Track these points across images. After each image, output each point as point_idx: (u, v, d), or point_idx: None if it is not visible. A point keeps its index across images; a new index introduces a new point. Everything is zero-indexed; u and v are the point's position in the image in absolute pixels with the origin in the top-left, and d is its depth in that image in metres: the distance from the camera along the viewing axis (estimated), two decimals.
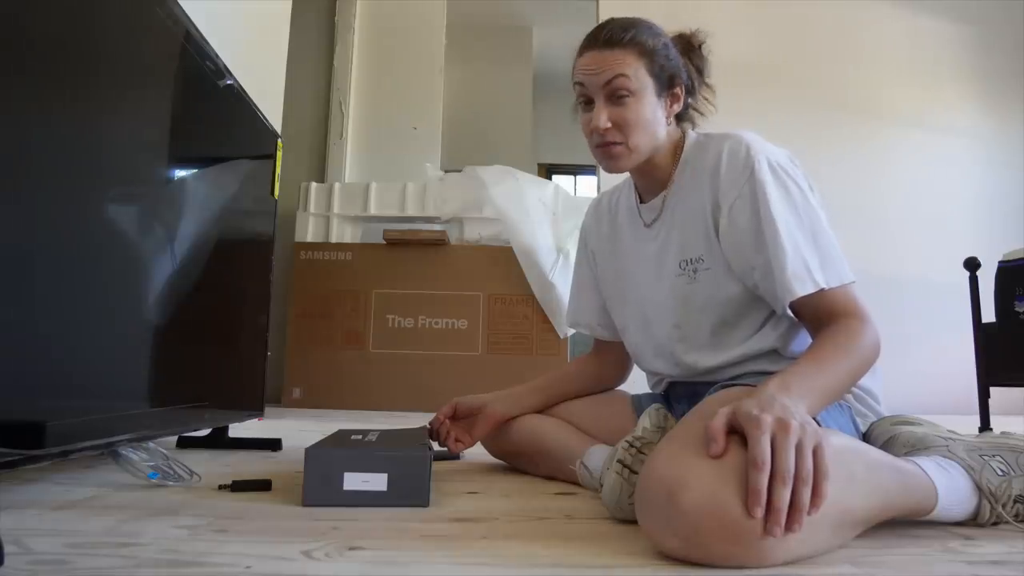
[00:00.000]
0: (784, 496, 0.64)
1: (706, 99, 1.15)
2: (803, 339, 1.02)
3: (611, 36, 1.03)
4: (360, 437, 1.07)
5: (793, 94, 3.66)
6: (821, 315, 0.93)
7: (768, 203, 0.96)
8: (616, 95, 1.02)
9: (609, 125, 1.03)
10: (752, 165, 0.98)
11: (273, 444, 1.53)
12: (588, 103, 1.05)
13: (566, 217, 3.28)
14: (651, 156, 1.08)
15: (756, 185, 0.97)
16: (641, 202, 1.15)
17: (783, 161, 1.01)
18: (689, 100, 1.11)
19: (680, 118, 1.12)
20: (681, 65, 1.08)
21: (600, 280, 1.28)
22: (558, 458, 1.17)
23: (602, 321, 1.30)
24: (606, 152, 1.05)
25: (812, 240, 0.95)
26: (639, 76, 1.02)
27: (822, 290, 0.93)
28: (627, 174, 1.16)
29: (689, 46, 1.12)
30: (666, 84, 1.06)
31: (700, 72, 1.12)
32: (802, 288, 0.93)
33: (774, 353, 1.03)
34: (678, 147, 1.10)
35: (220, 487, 1.03)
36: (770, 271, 0.95)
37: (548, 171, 6.67)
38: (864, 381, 1.05)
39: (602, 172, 3.52)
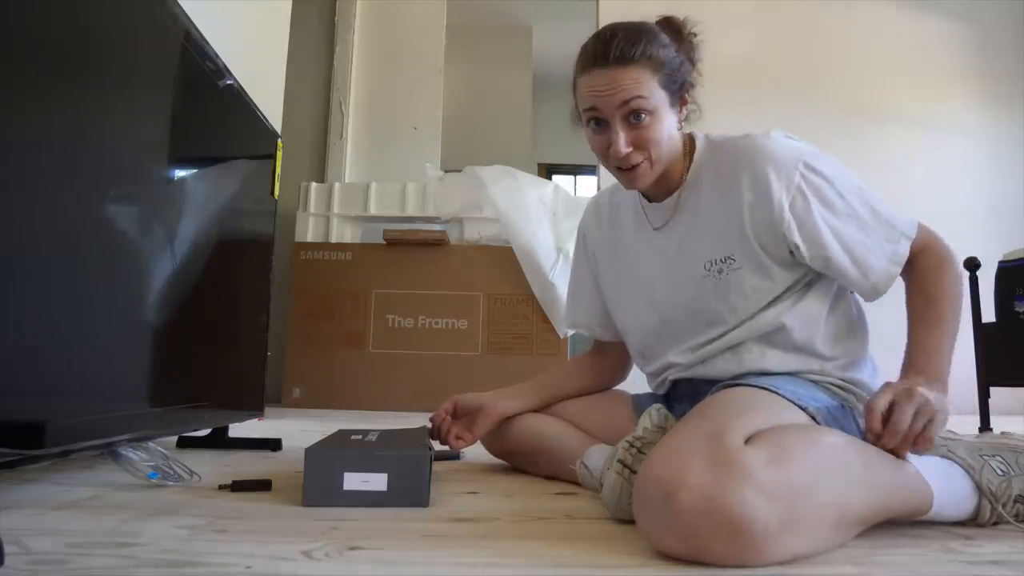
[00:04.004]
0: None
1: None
2: (814, 320, 1.04)
3: (621, 53, 0.98)
4: (360, 437, 1.07)
5: (792, 94, 3.65)
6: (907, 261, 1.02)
7: (832, 196, 0.99)
8: (634, 116, 0.99)
9: (631, 149, 1.00)
10: (802, 159, 0.99)
11: (273, 444, 1.53)
12: (600, 123, 1.02)
13: (566, 217, 3.28)
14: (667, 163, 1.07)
15: (812, 179, 0.99)
16: (648, 202, 1.14)
17: (813, 148, 1.02)
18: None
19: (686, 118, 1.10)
20: (689, 69, 1.06)
21: (601, 281, 1.27)
22: (558, 458, 1.17)
23: (602, 322, 1.29)
24: (631, 175, 1.03)
25: (875, 214, 1.00)
26: (654, 93, 0.99)
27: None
28: None
29: (679, 35, 1.08)
30: (677, 93, 1.03)
31: (692, 62, 1.09)
32: (895, 269, 1.01)
33: (782, 331, 1.03)
34: (687, 149, 1.09)
35: (220, 487, 1.03)
36: (862, 260, 1.00)
37: (548, 171, 6.66)
38: (865, 380, 1.05)
39: (603, 172, 3.52)
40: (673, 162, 1.07)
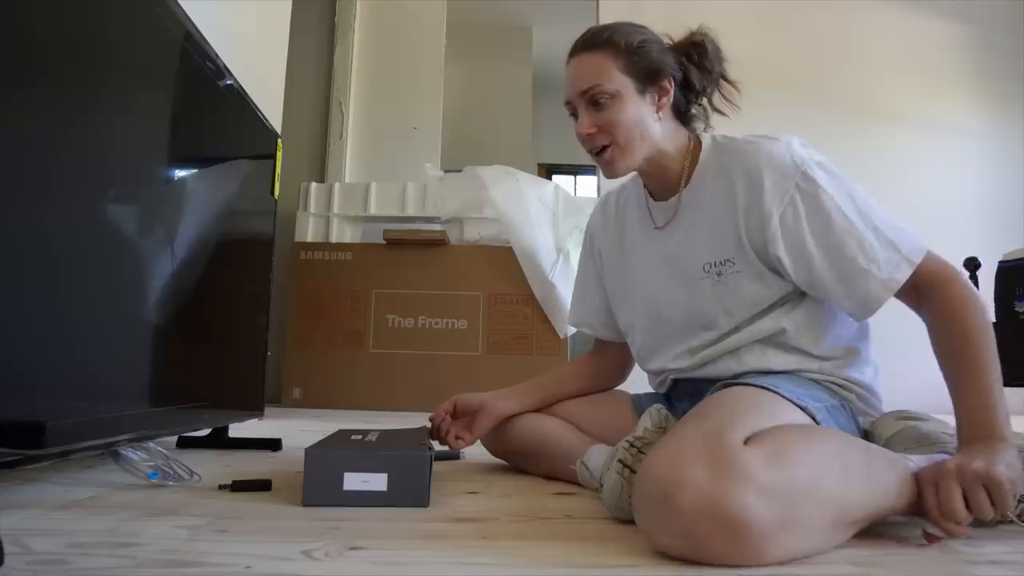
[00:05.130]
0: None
1: (726, 98, 1.12)
2: (812, 324, 1.03)
3: (585, 41, 1.06)
4: (360, 437, 1.07)
5: (792, 94, 3.65)
6: (913, 290, 0.95)
7: (828, 210, 0.95)
8: (595, 100, 1.03)
9: (593, 130, 1.04)
10: (801, 170, 0.97)
11: (273, 444, 1.53)
12: (575, 113, 1.07)
13: (566, 217, 3.28)
14: (656, 156, 1.07)
15: (809, 191, 0.96)
16: (653, 200, 1.14)
17: (822, 160, 1.00)
18: (697, 99, 1.10)
19: (689, 118, 1.11)
20: (671, 61, 1.06)
21: (606, 280, 1.27)
22: (558, 457, 1.17)
23: (605, 321, 1.30)
24: (600, 160, 1.06)
25: (877, 234, 0.95)
26: (614, 77, 1.03)
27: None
28: (635, 173, 1.16)
29: (688, 46, 1.09)
30: (648, 80, 1.04)
31: (708, 71, 1.09)
32: (886, 296, 0.95)
33: (782, 335, 1.02)
34: (691, 148, 1.09)
35: (220, 487, 1.03)
36: (850, 279, 0.95)
37: (548, 171, 6.66)
38: (866, 379, 1.05)
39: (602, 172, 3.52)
40: (670, 158, 1.08)
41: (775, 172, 0.98)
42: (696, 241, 1.07)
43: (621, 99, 1.03)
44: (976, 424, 0.85)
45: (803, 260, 0.97)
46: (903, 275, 0.94)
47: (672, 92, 1.07)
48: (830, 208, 0.96)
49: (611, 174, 1.07)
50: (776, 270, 1.01)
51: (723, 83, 1.11)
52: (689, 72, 1.08)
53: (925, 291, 0.95)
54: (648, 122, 1.05)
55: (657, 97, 1.06)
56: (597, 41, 1.05)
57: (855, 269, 0.95)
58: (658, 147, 1.07)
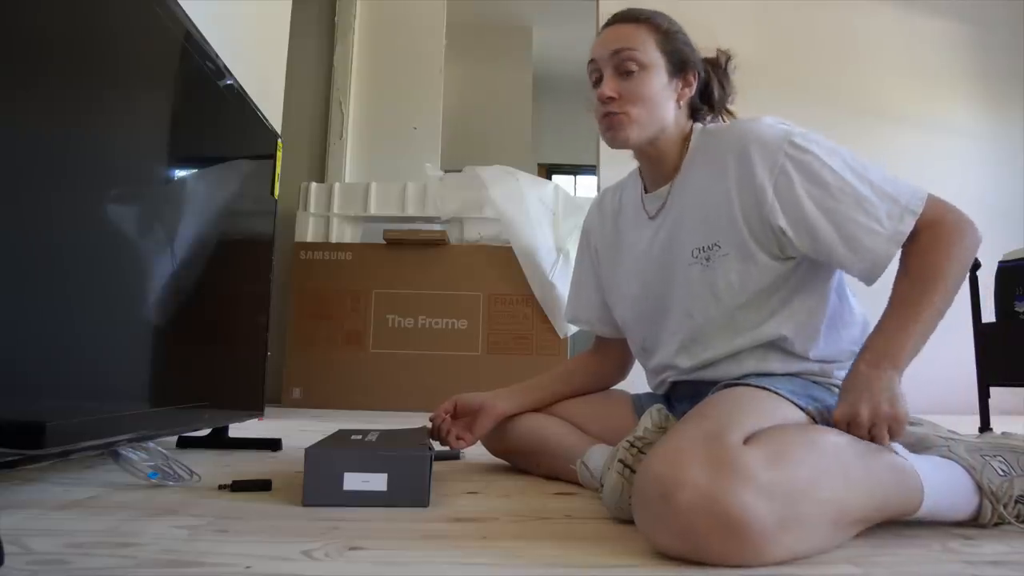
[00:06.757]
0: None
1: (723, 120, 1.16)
2: (813, 329, 1.02)
3: (628, 14, 1.08)
4: (360, 437, 1.07)
5: (792, 94, 3.65)
6: (910, 238, 0.94)
7: (821, 173, 0.95)
8: (624, 67, 1.04)
9: (615, 95, 1.04)
10: (787, 139, 0.97)
11: (273, 444, 1.53)
12: (599, 80, 1.07)
13: (566, 217, 3.28)
14: (658, 140, 1.08)
15: (798, 158, 0.96)
16: (646, 192, 1.15)
17: (805, 130, 1.00)
18: (709, 110, 1.14)
19: (695, 118, 1.13)
20: (699, 60, 1.10)
21: (603, 277, 1.27)
22: (559, 457, 1.17)
23: (601, 316, 1.30)
24: (608, 122, 1.06)
25: (874, 189, 0.94)
26: (649, 51, 1.05)
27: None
28: (635, 168, 1.17)
29: (716, 60, 1.14)
30: (678, 67, 1.07)
31: (724, 89, 1.13)
32: (895, 249, 0.93)
33: (784, 341, 1.02)
34: (687, 138, 1.10)
35: (220, 487, 1.03)
36: (855, 239, 0.94)
37: (548, 171, 6.66)
38: None
39: (602, 171, 3.52)
40: (670, 145, 1.09)
41: (762, 146, 0.98)
42: (685, 227, 1.07)
43: (650, 73, 1.04)
44: (883, 344, 0.88)
45: (804, 227, 0.96)
46: (907, 227, 0.93)
47: (694, 87, 1.10)
48: (822, 171, 0.95)
49: (614, 142, 1.07)
50: (768, 249, 1.00)
51: (725, 111, 1.16)
52: (711, 81, 1.12)
53: (917, 236, 0.94)
54: (666, 105, 1.07)
55: (680, 87, 1.08)
56: (640, 16, 1.07)
57: (858, 229, 0.94)
58: (666, 132, 1.08)
